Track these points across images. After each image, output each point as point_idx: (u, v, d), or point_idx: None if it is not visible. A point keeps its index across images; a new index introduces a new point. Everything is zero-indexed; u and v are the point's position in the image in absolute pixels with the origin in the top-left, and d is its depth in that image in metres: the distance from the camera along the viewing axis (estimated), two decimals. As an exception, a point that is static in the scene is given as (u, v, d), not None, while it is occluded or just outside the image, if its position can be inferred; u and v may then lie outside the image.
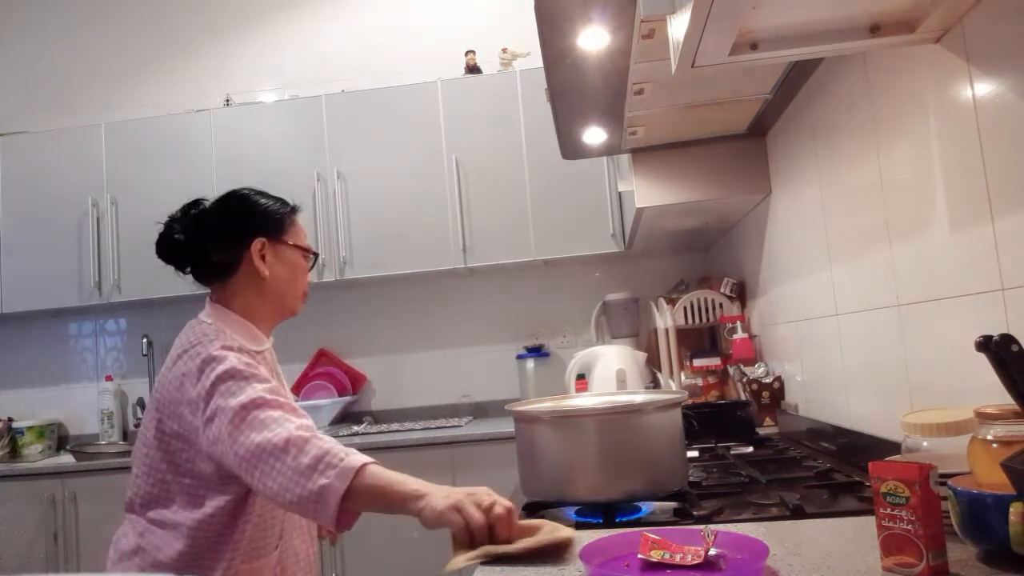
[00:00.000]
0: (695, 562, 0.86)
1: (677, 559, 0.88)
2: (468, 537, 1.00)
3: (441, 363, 3.41)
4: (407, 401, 3.40)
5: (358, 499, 1.06)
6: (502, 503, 1.02)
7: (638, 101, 1.64)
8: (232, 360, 1.19)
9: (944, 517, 0.79)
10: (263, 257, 1.35)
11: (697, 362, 2.65)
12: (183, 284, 3.20)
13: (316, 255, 1.47)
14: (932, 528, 0.76)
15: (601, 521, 1.20)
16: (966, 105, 1.02)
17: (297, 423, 1.12)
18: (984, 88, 0.98)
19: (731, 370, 2.50)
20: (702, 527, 0.93)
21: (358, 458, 1.08)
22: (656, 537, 0.92)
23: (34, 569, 2.83)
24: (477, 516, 0.99)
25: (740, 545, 0.90)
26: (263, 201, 1.40)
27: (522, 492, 1.33)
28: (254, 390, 1.15)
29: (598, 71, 1.49)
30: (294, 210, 1.43)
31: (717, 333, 2.82)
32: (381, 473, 1.08)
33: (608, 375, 2.70)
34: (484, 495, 1.03)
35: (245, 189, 1.42)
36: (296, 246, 1.40)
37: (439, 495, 1.04)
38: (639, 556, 0.89)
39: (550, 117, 1.80)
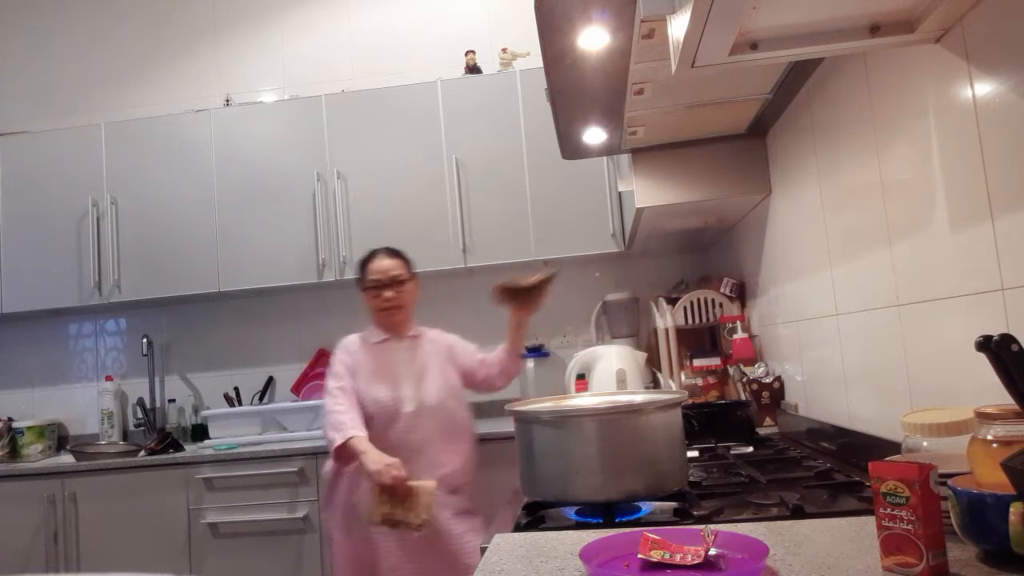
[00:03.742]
0: (695, 562, 0.86)
1: (677, 559, 0.88)
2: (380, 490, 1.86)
3: (441, 363, 3.40)
4: (407, 401, 3.39)
5: (343, 451, 1.93)
6: (388, 474, 1.84)
7: (638, 101, 1.64)
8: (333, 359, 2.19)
9: (944, 517, 0.79)
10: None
11: (697, 362, 2.65)
12: (183, 284, 3.22)
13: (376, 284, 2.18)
14: (932, 528, 0.76)
15: (601, 521, 1.20)
16: (966, 105, 1.02)
17: (331, 405, 2.03)
18: (984, 88, 0.98)
19: (731, 370, 2.50)
20: (702, 527, 0.93)
21: (350, 432, 1.93)
22: (656, 537, 0.92)
23: (34, 569, 2.83)
24: (376, 479, 1.86)
25: (740, 545, 0.90)
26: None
27: (522, 492, 1.33)
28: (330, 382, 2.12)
29: (598, 71, 1.49)
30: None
31: (717, 333, 2.82)
32: (356, 443, 1.91)
33: (608, 375, 2.70)
34: (387, 469, 1.85)
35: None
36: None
37: (370, 459, 1.88)
38: (639, 556, 0.89)
39: (550, 117, 1.80)
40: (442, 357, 2.18)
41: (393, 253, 2.20)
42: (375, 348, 2.16)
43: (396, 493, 1.86)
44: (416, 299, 2.21)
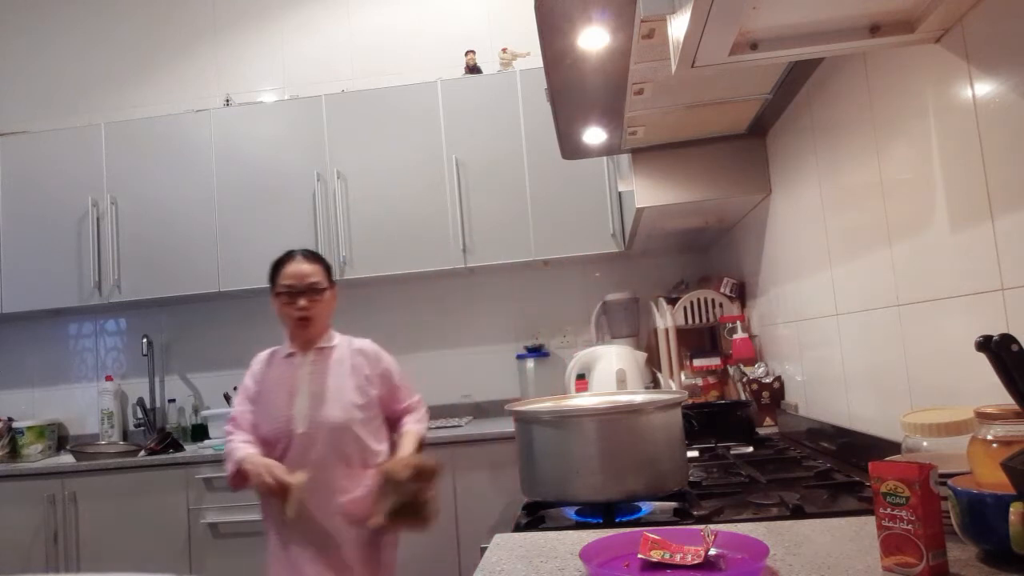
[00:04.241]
0: (695, 562, 0.86)
1: (677, 559, 0.88)
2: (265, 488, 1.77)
3: (441, 363, 3.41)
4: (407, 401, 3.40)
5: (236, 477, 1.85)
6: (268, 474, 1.75)
7: (638, 101, 1.64)
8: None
9: (944, 517, 0.79)
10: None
11: (697, 362, 2.65)
12: (183, 284, 3.22)
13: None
14: (932, 528, 0.76)
15: (601, 521, 1.20)
16: (966, 105, 1.02)
17: (226, 434, 1.95)
18: (984, 88, 0.98)
19: (731, 370, 2.50)
20: (702, 527, 0.93)
21: (239, 456, 1.83)
22: (656, 537, 0.92)
23: (34, 569, 2.83)
24: (255, 481, 1.78)
25: (740, 545, 0.90)
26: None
27: (522, 492, 1.33)
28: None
29: (598, 71, 1.49)
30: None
31: (717, 333, 2.82)
32: (242, 459, 1.82)
33: (608, 375, 2.71)
34: (266, 469, 1.76)
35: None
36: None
37: (248, 463, 1.79)
38: (639, 556, 0.89)
39: (550, 117, 1.80)
40: (357, 375, 1.96)
41: (312, 257, 1.99)
42: (282, 363, 1.98)
43: (280, 492, 1.75)
44: (332, 311, 2.03)
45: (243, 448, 1.85)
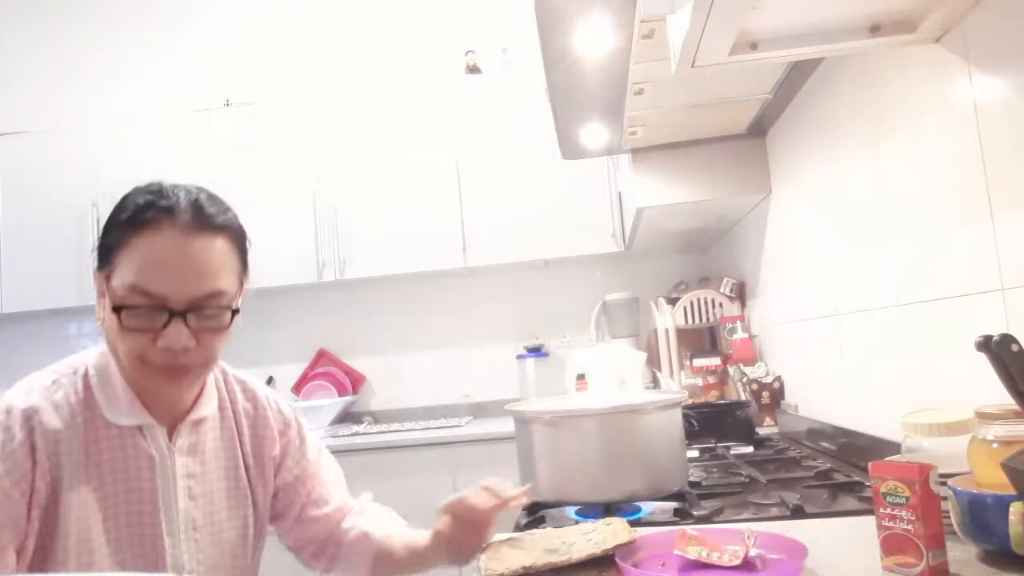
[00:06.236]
0: (733, 563, 0.85)
1: (715, 558, 0.86)
2: None
3: (441, 363, 3.41)
4: (407, 401, 3.40)
5: None
6: None
7: (638, 101, 1.64)
8: None
9: (944, 517, 0.79)
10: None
11: (697, 362, 2.65)
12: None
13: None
14: (932, 528, 0.76)
15: (601, 521, 1.20)
16: (966, 105, 1.02)
17: None
18: (984, 88, 0.98)
19: (731, 370, 2.50)
20: (743, 528, 0.91)
21: None
22: (694, 533, 0.91)
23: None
24: None
25: (778, 545, 0.88)
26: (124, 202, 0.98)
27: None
28: None
29: (598, 71, 1.49)
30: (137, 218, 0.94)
31: (717, 333, 2.82)
32: None
33: (608, 375, 2.70)
34: None
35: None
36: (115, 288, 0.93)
37: None
38: (676, 552, 0.88)
39: (550, 117, 1.80)
40: (242, 464, 1.08)
41: (211, 224, 0.95)
42: (117, 441, 0.96)
43: None
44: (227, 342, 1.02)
45: None
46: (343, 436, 2.90)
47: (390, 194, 3.13)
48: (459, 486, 2.81)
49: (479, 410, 3.32)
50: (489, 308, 3.41)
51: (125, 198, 0.98)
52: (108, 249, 0.94)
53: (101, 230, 0.97)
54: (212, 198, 0.99)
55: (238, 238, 1.00)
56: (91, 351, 1.01)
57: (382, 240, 3.12)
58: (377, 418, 3.36)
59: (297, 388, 3.35)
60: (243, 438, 1.10)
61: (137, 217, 0.93)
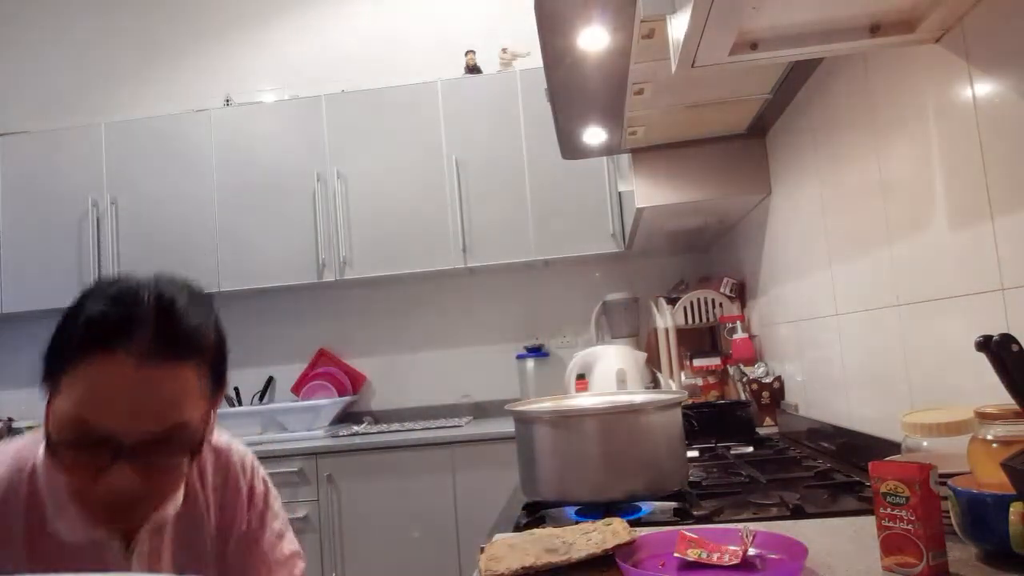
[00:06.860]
0: (732, 563, 0.85)
1: (714, 559, 0.87)
2: None
3: (441, 363, 3.41)
4: (407, 401, 3.40)
5: None
6: None
7: (638, 101, 1.64)
8: None
9: (944, 517, 0.79)
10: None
11: (697, 362, 2.65)
12: (183, 284, 3.21)
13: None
14: (932, 528, 0.76)
15: (601, 521, 1.20)
16: (966, 105, 1.02)
17: None
18: (984, 88, 0.98)
19: (731, 370, 2.50)
20: (740, 527, 0.92)
21: None
22: (693, 536, 0.91)
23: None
24: None
25: (778, 545, 0.88)
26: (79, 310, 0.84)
27: (522, 492, 1.33)
28: None
29: (598, 71, 1.49)
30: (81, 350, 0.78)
31: (717, 333, 2.82)
32: None
33: (608, 375, 2.70)
34: None
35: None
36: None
37: None
38: (675, 555, 0.88)
39: (550, 117, 1.79)
40: (208, 552, 0.96)
41: (176, 341, 0.81)
42: (62, 548, 0.83)
43: None
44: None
45: None
46: (343, 436, 2.90)
47: (390, 194, 3.13)
48: (459, 486, 2.83)
49: (479, 410, 3.32)
50: (489, 308, 3.41)
51: (83, 298, 0.85)
52: (52, 366, 0.81)
53: (55, 328, 0.85)
54: (188, 306, 0.82)
55: (213, 358, 0.85)
56: (41, 438, 0.83)
57: (382, 240, 3.12)
58: (377, 418, 3.36)
59: (297, 388, 3.35)
60: (210, 522, 0.96)
61: (88, 334, 0.78)
